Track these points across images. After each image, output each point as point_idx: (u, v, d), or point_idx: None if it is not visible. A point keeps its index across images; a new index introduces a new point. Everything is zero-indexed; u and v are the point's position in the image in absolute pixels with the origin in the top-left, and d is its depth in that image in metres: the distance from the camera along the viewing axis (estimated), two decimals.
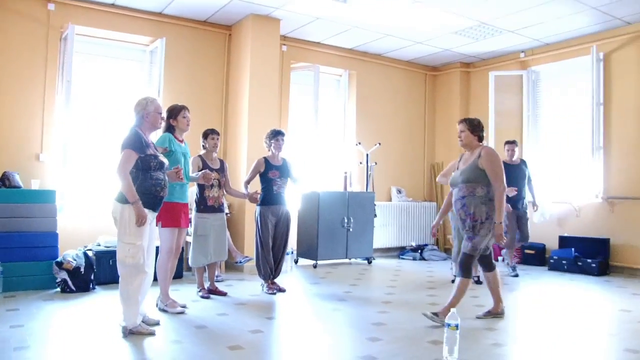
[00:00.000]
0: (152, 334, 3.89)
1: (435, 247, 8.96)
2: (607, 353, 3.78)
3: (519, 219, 6.97)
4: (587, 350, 3.86)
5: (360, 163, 8.57)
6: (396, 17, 7.14)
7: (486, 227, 4.31)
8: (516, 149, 7.09)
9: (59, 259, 5.39)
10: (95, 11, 6.56)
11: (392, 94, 9.32)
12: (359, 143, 8.57)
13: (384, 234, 8.72)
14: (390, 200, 9.11)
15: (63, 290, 5.28)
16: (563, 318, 4.82)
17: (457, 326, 3.42)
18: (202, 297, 5.24)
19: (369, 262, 7.97)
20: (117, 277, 5.52)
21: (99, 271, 5.64)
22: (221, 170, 5.47)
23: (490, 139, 8.31)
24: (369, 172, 8.40)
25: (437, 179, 4.66)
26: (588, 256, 7.21)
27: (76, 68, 6.38)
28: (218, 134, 5.50)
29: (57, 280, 5.32)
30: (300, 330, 4.34)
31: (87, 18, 6.50)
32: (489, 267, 4.59)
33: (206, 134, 5.44)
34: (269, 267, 5.57)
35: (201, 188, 5.30)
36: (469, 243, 4.34)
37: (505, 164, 6.99)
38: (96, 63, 6.87)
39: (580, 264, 7.16)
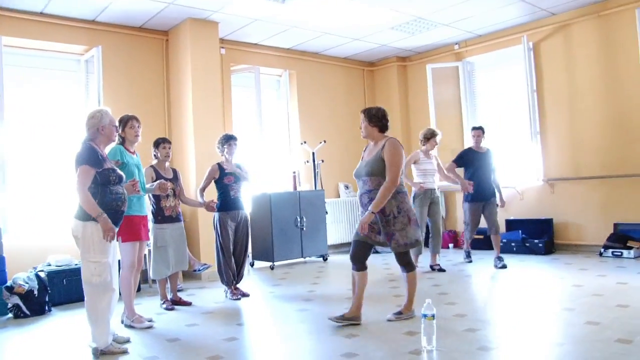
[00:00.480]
0: (124, 352, 3.76)
1: None
2: (570, 328, 3.93)
3: (486, 209, 6.78)
4: (552, 327, 4.03)
5: (307, 162, 8.58)
6: (334, 15, 7.19)
7: (400, 221, 4.18)
8: (483, 135, 6.95)
9: (8, 284, 5.09)
10: (24, 21, 6.23)
11: (332, 91, 9.39)
12: (304, 142, 8.58)
13: (336, 230, 8.78)
14: (338, 196, 9.17)
15: (16, 316, 5.00)
16: (522, 298, 5.03)
17: (433, 316, 3.51)
18: (167, 309, 5.12)
19: (325, 260, 8.02)
20: (73, 296, 5.43)
21: (53, 292, 5.38)
22: (175, 179, 5.36)
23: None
24: (316, 170, 8.43)
25: None
26: (534, 237, 7.56)
27: (7, 82, 6.07)
28: (170, 142, 5.38)
29: (9, 306, 5.02)
30: (275, 334, 4.31)
31: (15, 28, 6.18)
32: (407, 267, 4.38)
33: (157, 143, 5.31)
34: (232, 273, 5.51)
35: (157, 199, 5.17)
36: (391, 241, 4.19)
37: (472, 151, 6.96)
38: (29, 75, 6.54)
39: (527, 244, 7.48)
